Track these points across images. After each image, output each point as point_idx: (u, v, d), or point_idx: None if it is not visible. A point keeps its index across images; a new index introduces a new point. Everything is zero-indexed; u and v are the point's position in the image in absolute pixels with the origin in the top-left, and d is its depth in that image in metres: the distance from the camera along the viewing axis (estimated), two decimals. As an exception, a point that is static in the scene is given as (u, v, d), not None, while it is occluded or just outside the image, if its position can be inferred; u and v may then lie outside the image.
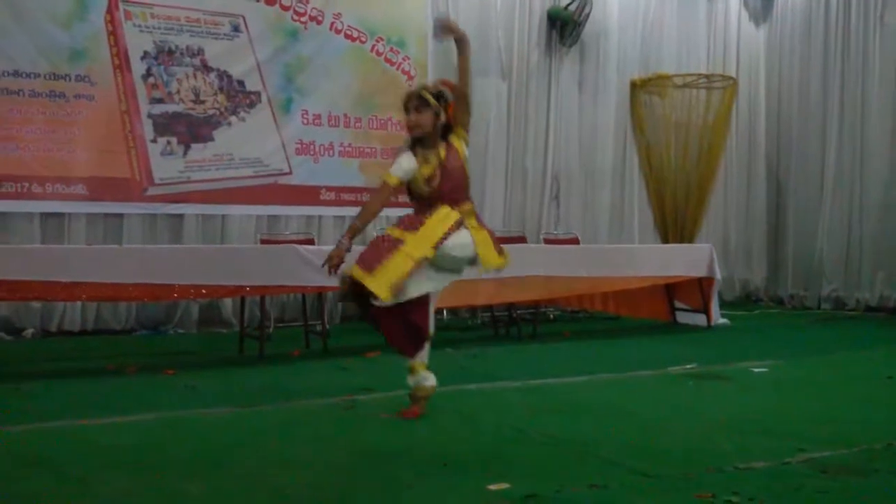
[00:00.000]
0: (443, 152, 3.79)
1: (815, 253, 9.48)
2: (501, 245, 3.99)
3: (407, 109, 3.78)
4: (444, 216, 3.74)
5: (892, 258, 8.78)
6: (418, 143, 3.80)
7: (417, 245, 3.63)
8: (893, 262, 8.77)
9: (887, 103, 9.01)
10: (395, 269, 3.55)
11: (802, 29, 9.86)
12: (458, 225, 3.75)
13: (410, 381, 3.88)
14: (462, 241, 3.75)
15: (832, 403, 4.23)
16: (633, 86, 8.87)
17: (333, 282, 5.47)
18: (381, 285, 3.51)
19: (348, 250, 3.67)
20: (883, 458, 3.12)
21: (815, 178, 9.65)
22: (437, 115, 3.75)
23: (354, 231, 3.69)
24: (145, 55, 6.90)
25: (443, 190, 3.76)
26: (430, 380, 3.87)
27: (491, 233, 3.95)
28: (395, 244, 3.62)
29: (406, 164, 3.75)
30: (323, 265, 3.69)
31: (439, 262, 3.71)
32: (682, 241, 8.22)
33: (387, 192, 3.78)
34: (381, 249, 3.62)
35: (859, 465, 3.02)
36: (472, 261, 3.85)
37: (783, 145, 10.10)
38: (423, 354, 3.87)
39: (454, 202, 3.79)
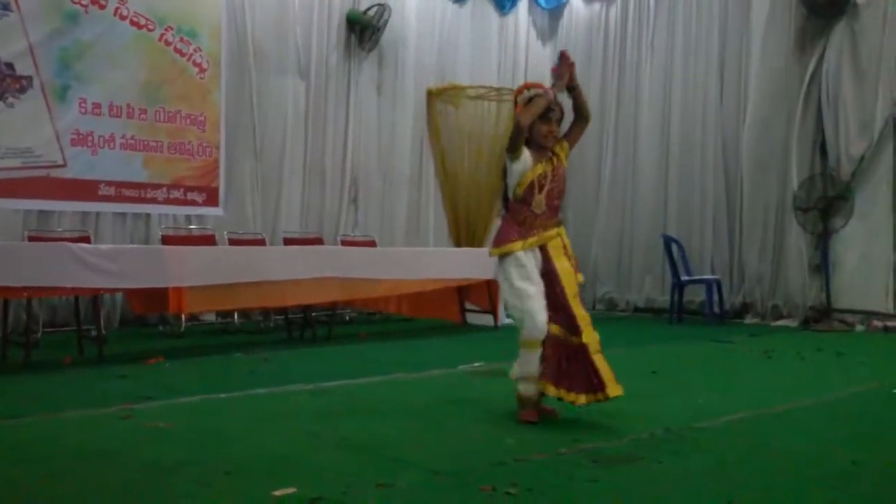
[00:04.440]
0: (555, 159, 3.90)
1: (591, 257, 10.23)
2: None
3: (550, 120, 3.83)
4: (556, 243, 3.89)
5: (658, 264, 9.68)
6: (530, 147, 3.84)
7: (571, 283, 3.89)
8: (659, 268, 9.68)
9: (656, 123, 9.91)
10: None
11: (584, 48, 10.59)
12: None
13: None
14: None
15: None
16: (430, 94, 9.06)
17: (111, 284, 5.09)
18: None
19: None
20: (647, 446, 3.40)
21: (592, 189, 10.42)
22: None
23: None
24: None
25: (551, 195, 3.85)
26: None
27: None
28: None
29: (526, 153, 3.81)
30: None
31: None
32: (473, 245, 8.52)
33: (521, 132, 3.77)
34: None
35: (626, 453, 3.26)
36: None
37: (565, 157, 10.77)
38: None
39: (554, 209, 3.90)
